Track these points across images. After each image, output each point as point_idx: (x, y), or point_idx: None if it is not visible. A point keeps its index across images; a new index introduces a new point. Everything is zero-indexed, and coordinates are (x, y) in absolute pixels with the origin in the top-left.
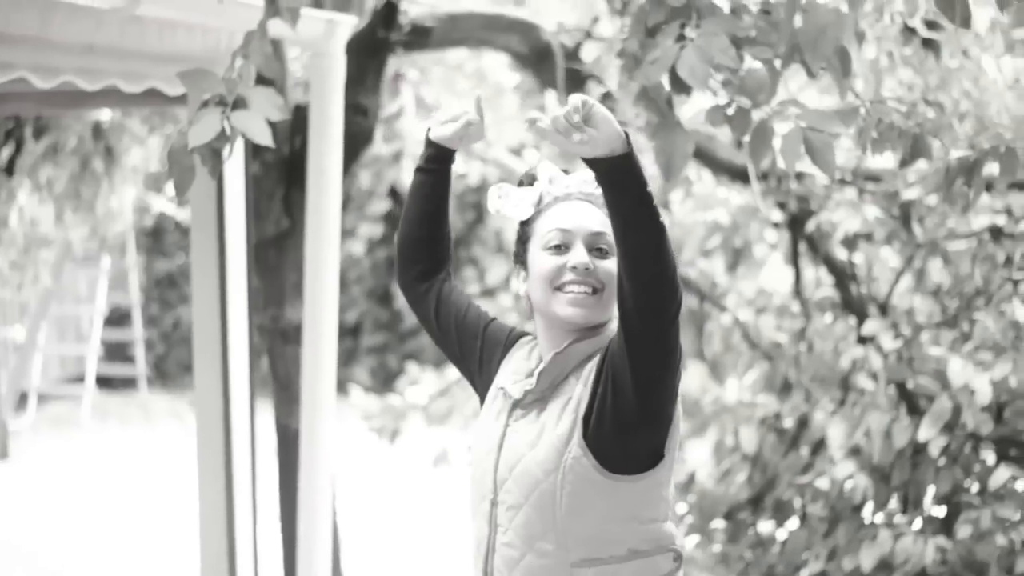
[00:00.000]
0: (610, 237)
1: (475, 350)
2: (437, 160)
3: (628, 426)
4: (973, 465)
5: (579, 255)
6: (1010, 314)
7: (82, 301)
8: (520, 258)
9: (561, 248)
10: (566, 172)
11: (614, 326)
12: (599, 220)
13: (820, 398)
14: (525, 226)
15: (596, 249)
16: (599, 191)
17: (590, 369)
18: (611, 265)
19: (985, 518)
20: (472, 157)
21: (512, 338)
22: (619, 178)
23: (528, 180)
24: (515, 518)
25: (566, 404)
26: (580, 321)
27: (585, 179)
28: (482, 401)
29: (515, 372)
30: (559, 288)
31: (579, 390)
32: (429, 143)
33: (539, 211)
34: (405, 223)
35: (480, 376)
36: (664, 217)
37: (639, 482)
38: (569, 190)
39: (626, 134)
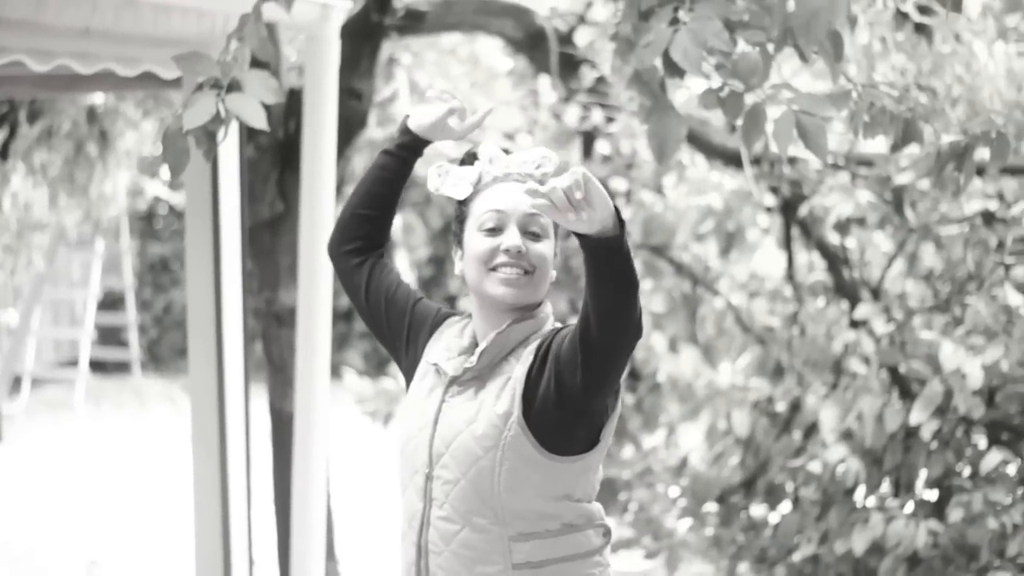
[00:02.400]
0: (543, 219)
1: (402, 327)
2: (407, 149)
3: (571, 417)
4: (965, 449)
5: (512, 237)
6: (1002, 298)
7: (76, 285)
8: (458, 237)
9: (495, 230)
10: (507, 152)
11: (549, 309)
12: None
13: (812, 382)
14: (463, 206)
15: (529, 233)
16: (538, 171)
17: (529, 352)
18: (543, 248)
19: (976, 502)
20: (465, 140)
21: (440, 317)
22: (607, 254)
23: (469, 159)
24: (452, 492)
25: (505, 383)
26: (512, 301)
27: (524, 159)
28: (407, 378)
29: (448, 349)
30: (492, 269)
31: (519, 370)
32: (405, 130)
33: (477, 191)
34: (355, 198)
35: (406, 353)
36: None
37: (574, 464)
38: (508, 170)
39: (616, 209)
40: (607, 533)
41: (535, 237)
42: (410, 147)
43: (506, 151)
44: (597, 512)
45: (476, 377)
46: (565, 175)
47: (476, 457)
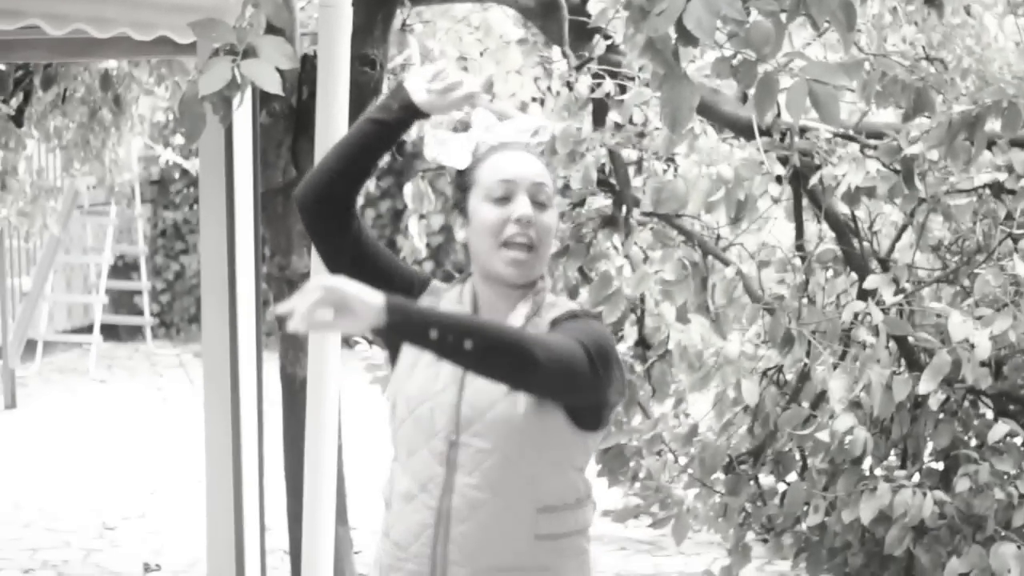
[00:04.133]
0: (549, 189)
1: (391, 287)
2: (402, 122)
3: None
4: (972, 419)
5: (523, 206)
6: (1010, 269)
7: (89, 251)
8: (460, 206)
9: (504, 199)
10: (499, 118)
11: (548, 282)
12: (539, 170)
13: (821, 352)
14: (464, 175)
15: (537, 202)
16: (534, 140)
17: (546, 326)
18: (548, 219)
19: (983, 472)
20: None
21: (423, 279)
22: (405, 334)
23: (463, 127)
24: (485, 462)
25: None
26: (517, 280)
27: (520, 128)
28: (385, 338)
29: None
30: (503, 244)
31: None
32: (407, 104)
33: (477, 160)
34: (336, 162)
35: None
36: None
37: (595, 437)
38: (504, 138)
39: (387, 303)
40: (594, 508)
41: (542, 207)
42: (406, 121)
43: (499, 117)
44: (591, 486)
45: None
46: (310, 292)
47: (517, 430)
